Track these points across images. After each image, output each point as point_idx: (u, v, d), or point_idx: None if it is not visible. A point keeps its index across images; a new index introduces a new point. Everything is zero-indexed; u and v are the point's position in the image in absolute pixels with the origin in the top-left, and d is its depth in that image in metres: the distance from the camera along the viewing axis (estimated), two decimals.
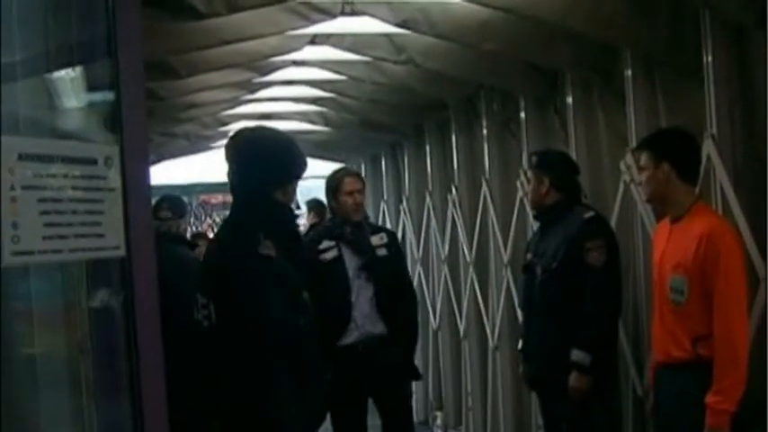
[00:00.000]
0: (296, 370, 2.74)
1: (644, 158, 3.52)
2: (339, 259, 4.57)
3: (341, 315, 4.51)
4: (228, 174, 2.92)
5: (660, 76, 4.33)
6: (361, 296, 4.58)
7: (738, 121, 3.73)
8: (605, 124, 4.85)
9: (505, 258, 5.82)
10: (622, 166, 4.35)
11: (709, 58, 3.73)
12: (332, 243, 4.58)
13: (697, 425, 3.20)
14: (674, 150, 3.47)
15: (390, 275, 4.67)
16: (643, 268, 4.23)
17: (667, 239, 3.49)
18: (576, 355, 4.05)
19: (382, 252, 4.66)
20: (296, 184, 2.95)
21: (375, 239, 4.69)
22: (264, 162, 2.85)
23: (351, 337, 4.54)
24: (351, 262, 4.58)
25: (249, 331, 2.69)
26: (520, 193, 5.54)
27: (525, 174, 5.24)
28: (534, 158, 4.48)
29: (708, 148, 3.68)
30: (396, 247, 4.93)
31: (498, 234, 5.95)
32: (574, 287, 4.09)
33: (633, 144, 4.28)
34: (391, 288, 4.65)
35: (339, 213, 4.67)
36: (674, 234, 3.45)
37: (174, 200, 5.42)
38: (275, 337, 2.69)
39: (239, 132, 3.05)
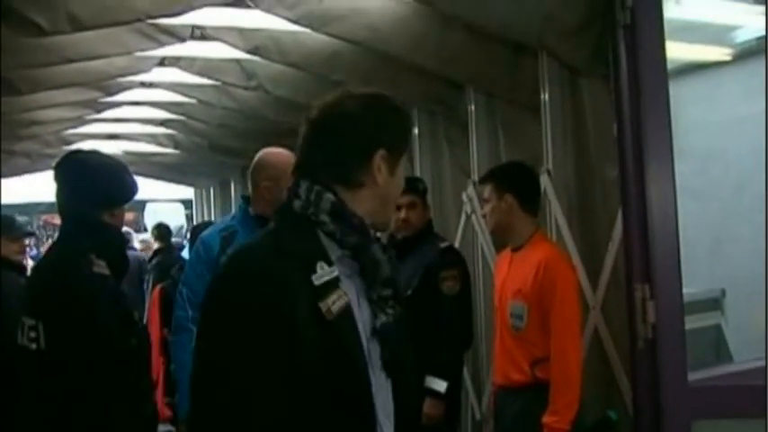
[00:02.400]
0: (127, 391, 2.70)
1: (488, 191, 3.61)
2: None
3: None
4: (57, 195, 2.88)
5: (501, 112, 4.51)
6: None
7: (572, 156, 3.92)
8: (450, 156, 5.00)
9: None
10: (464, 198, 4.50)
11: (546, 97, 3.92)
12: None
13: None
14: (516, 183, 3.59)
15: None
16: (482, 296, 4.36)
17: (508, 268, 3.63)
18: (432, 381, 4.06)
19: None
20: (124, 207, 2.96)
21: None
22: (91, 185, 2.84)
23: None
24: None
25: (82, 352, 2.63)
26: None
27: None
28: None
29: (544, 183, 3.86)
30: None
31: None
32: (428, 315, 4.10)
33: (476, 176, 4.43)
34: None
35: None
36: (515, 263, 3.59)
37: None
38: (109, 358, 2.65)
39: (68, 155, 3.01)
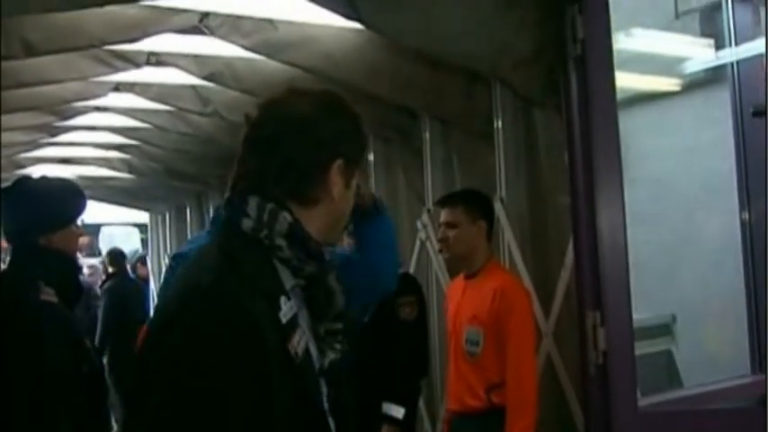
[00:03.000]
0: (80, 420, 2.66)
1: (457, 214, 3.55)
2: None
3: None
4: (2, 220, 2.85)
5: (456, 140, 4.56)
6: None
7: (525, 184, 3.96)
8: (404, 182, 5.03)
9: None
10: (419, 225, 4.52)
11: (499, 125, 3.96)
12: None
13: None
14: (486, 209, 3.60)
15: None
16: (437, 323, 4.38)
17: (462, 294, 3.64)
18: (390, 408, 4.07)
19: None
20: (70, 231, 2.88)
21: None
22: (31, 208, 2.79)
23: None
24: None
25: (31, 381, 2.59)
26: None
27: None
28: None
29: (497, 210, 3.89)
30: None
31: None
32: (384, 341, 4.12)
33: (430, 203, 4.46)
34: None
35: None
36: (470, 289, 3.60)
37: None
38: (59, 387, 2.61)
39: (15, 180, 2.97)
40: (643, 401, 3.31)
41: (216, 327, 1.40)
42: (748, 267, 4.12)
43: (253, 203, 1.54)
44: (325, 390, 1.55)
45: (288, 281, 1.54)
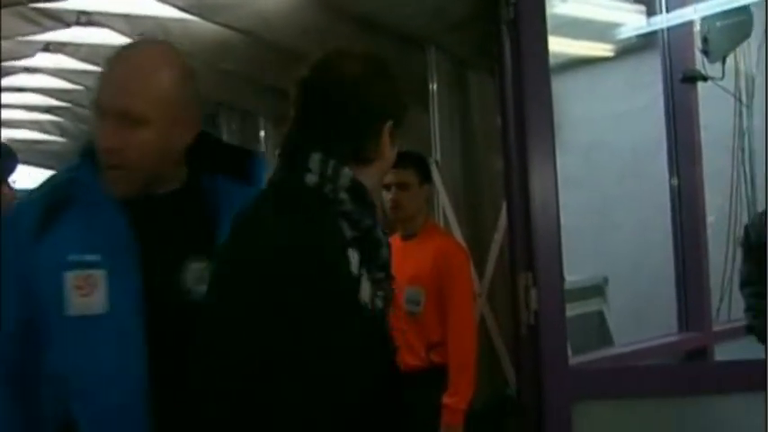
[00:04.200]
0: None
1: (409, 175, 3.55)
2: None
3: None
4: None
5: None
6: None
7: (459, 147, 3.99)
8: None
9: None
10: None
11: (434, 88, 3.98)
12: None
13: (434, 426, 3.42)
14: (429, 172, 3.66)
15: None
16: None
17: (400, 255, 3.66)
18: None
19: None
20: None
21: None
22: None
23: None
24: None
25: None
26: None
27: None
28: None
29: (432, 173, 3.92)
30: None
31: None
32: None
33: None
34: None
35: None
36: (409, 250, 3.63)
37: None
38: None
39: None
40: (574, 360, 3.39)
41: (321, 279, 1.54)
42: (677, 230, 4.21)
43: (315, 159, 1.61)
44: None
45: (347, 233, 1.62)
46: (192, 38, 4.42)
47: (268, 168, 1.80)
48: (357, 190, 1.63)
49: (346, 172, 1.62)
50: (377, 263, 1.67)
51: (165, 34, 4.38)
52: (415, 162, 3.64)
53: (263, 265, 1.55)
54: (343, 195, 1.61)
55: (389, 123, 1.67)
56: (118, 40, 4.62)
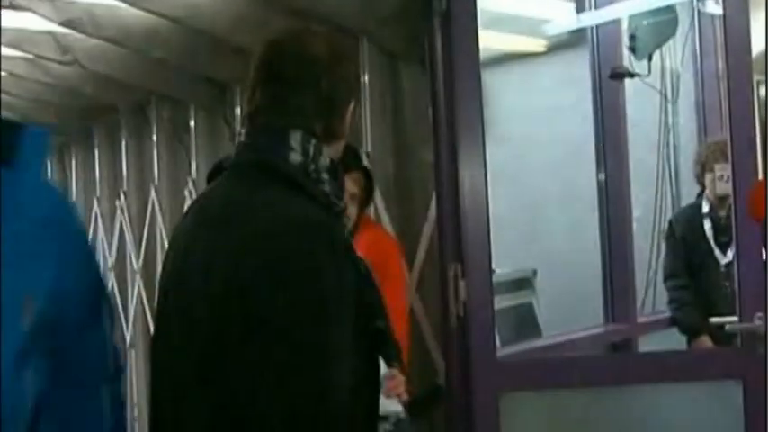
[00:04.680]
0: None
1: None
2: None
3: None
4: None
5: None
6: None
7: (390, 139, 4.00)
8: None
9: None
10: None
11: (365, 80, 3.98)
12: None
13: None
14: (359, 165, 3.62)
15: None
16: None
17: None
18: None
19: None
20: None
21: None
22: None
23: None
24: None
25: None
26: (188, 202, 5.52)
27: None
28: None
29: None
30: None
31: (166, 243, 5.90)
32: None
33: None
34: None
35: None
36: None
37: None
38: None
39: None
40: (503, 351, 3.43)
41: (340, 247, 1.56)
42: (603, 225, 4.29)
43: (297, 137, 1.58)
44: None
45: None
46: (121, 25, 4.34)
47: (51, 149, 1.63)
48: (334, 170, 1.63)
49: (326, 151, 1.61)
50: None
51: (92, 21, 4.30)
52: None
53: (290, 242, 1.52)
54: (325, 176, 1.60)
55: (353, 101, 1.71)
56: (43, 25, 4.51)
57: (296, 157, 1.58)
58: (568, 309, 5.04)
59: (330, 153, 1.64)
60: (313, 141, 1.59)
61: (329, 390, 1.49)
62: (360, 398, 1.59)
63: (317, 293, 1.50)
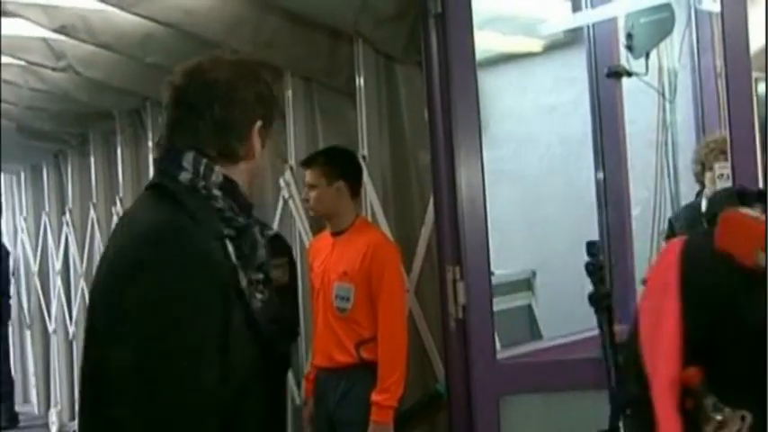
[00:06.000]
0: None
1: (315, 176, 3.62)
2: None
3: None
4: None
5: (319, 97, 4.52)
6: None
7: (387, 142, 3.98)
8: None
9: None
10: (282, 183, 4.48)
11: (361, 82, 3.96)
12: None
13: (362, 423, 3.40)
14: (346, 169, 3.64)
15: None
16: (301, 281, 4.36)
17: (330, 251, 3.65)
18: None
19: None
20: None
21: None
22: None
23: None
24: None
25: None
26: None
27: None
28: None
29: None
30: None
31: None
32: None
33: (293, 161, 4.42)
34: None
35: None
36: (338, 246, 3.62)
37: None
38: None
39: None
40: (502, 354, 3.40)
41: (187, 259, 1.60)
42: (602, 224, 4.26)
43: (189, 158, 1.71)
44: None
45: (223, 230, 1.69)
46: (115, 30, 4.31)
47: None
48: (229, 188, 1.72)
49: (218, 169, 1.72)
50: (253, 263, 1.73)
51: (85, 26, 4.27)
52: (324, 160, 3.67)
53: (135, 253, 1.63)
54: (216, 192, 1.70)
55: (258, 123, 1.78)
56: (36, 31, 4.49)
57: (186, 176, 1.70)
58: (568, 310, 5.01)
59: (238, 173, 1.76)
60: (204, 161, 1.71)
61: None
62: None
63: (119, 308, 1.60)
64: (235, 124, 1.75)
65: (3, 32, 4.58)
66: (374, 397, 3.41)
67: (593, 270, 2.31)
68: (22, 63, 5.22)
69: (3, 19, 4.13)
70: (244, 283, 1.66)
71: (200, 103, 1.74)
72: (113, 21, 4.26)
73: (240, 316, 1.64)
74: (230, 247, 1.66)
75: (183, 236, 1.63)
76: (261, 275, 1.75)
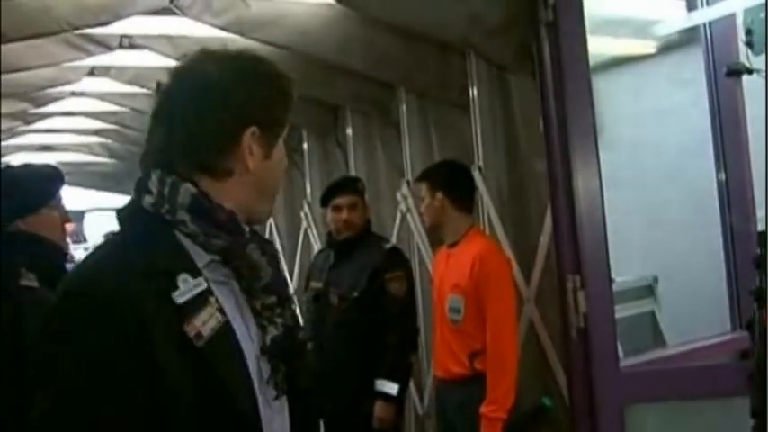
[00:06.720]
0: None
1: (423, 189, 3.73)
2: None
3: None
4: None
5: (432, 111, 4.57)
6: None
7: (502, 152, 3.98)
8: (383, 155, 5.05)
9: (292, 287, 5.89)
10: (399, 197, 4.54)
11: (475, 94, 3.98)
12: None
13: None
14: (447, 182, 3.70)
15: None
16: (420, 293, 4.41)
17: (446, 264, 3.70)
18: (383, 384, 4.00)
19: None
20: (49, 213, 2.85)
21: None
22: (5, 192, 2.74)
23: None
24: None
25: (10, 368, 2.58)
26: (304, 224, 5.64)
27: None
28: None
29: (475, 179, 3.92)
30: None
31: (285, 264, 6.01)
32: (375, 316, 4.06)
33: (409, 175, 4.47)
34: None
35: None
36: (452, 258, 3.66)
37: None
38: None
39: None
40: (626, 362, 3.36)
41: (93, 310, 1.34)
42: (726, 226, 4.15)
43: (154, 178, 1.44)
44: (266, 368, 1.46)
45: (200, 257, 1.43)
46: None
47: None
48: (200, 208, 1.43)
49: (186, 189, 1.42)
50: (257, 286, 1.48)
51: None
52: (427, 174, 3.82)
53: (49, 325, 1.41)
54: (183, 215, 1.42)
55: (252, 130, 1.46)
56: (161, 61, 4.69)
57: (149, 200, 1.44)
58: (693, 316, 4.90)
59: (230, 190, 1.47)
60: (169, 180, 1.43)
61: None
62: None
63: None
64: (210, 133, 1.45)
65: (131, 64, 4.82)
66: (482, 409, 3.40)
67: (762, 262, 2.14)
68: (149, 92, 5.45)
69: (132, 51, 4.34)
70: (201, 325, 1.37)
71: (173, 110, 1.46)
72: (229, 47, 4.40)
73: (195, 371, 1.36)
74: (183, 285, 1.38)
75: (95, 284, 1.37)
76: (274, 298, 1.51)
